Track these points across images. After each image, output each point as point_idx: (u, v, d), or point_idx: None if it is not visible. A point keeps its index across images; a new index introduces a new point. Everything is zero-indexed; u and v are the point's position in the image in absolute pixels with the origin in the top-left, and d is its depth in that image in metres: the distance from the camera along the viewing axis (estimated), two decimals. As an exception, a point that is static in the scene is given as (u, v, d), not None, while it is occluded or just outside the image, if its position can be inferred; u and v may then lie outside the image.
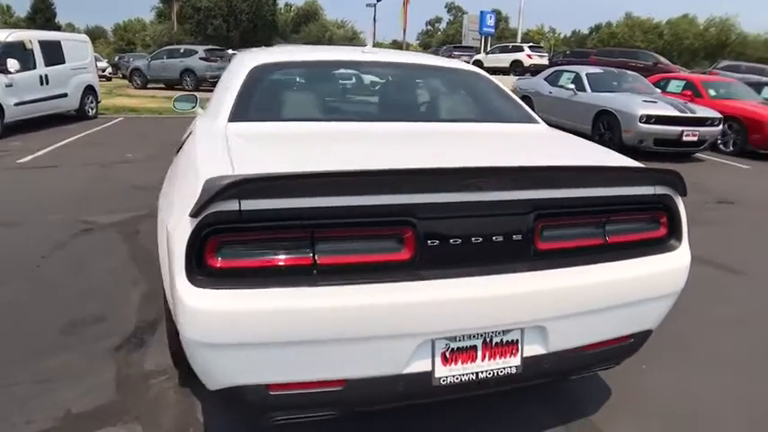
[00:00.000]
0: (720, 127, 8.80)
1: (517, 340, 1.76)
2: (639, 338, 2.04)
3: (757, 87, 11.25)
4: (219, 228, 1.46)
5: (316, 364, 1.58)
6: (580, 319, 1.82)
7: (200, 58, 19.14)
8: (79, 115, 10.73)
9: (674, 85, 10.93)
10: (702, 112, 8.63)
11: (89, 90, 11.00)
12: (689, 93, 10.24)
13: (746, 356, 2.83)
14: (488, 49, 30.34)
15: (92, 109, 11.17)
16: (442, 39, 75.25)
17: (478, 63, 27.89)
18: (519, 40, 32.05)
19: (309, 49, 3.35)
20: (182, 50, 20.33)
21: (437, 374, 1.68)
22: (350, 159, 1.82)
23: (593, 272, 1.80)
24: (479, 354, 1.72)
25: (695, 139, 8.41)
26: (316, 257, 1.53)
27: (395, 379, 1.64)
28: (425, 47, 63.49)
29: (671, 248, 1.96)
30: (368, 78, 2.99)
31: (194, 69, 18.90)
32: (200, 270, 1.47)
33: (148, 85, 20.01)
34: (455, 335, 1.68)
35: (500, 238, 1.68)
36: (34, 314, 2.92)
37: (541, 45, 31.18)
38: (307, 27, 47.15)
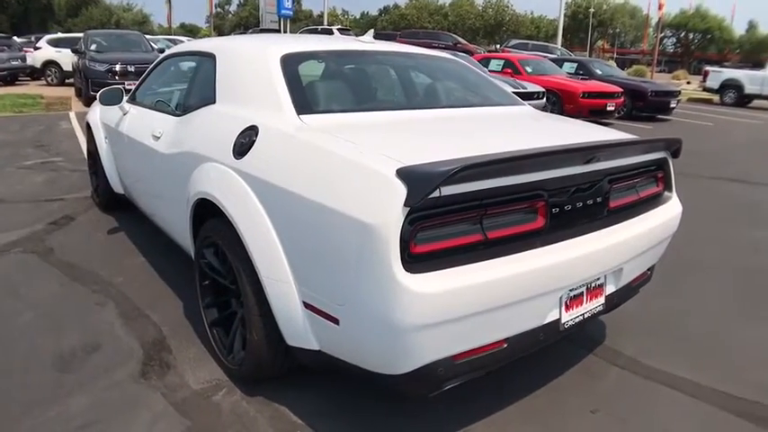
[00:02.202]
0: (544, 100, 10.24)
1: (603, 283, 2.10)
2: (651, 270, 2.53)
3: (559, 63, 13.24)
4: (424, 214, 1.53)
5: (491, 328, 1.72)
6: (635, 260, 2.23)
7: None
8: None
9: (495, 64, 12.31)
10: (530, 87, 9.95)
11: None
12: (509, 70, 11.65)
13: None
14: (298, 32, 30.30)
15: None
16: (236, 21, 72.83)
17: (291, 46, 27.91)
18: (326, 22, 32.64)
19: (310, 38, 3.17)
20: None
21: (562, 320, 1.94)
22: (473, 145, 1.90)
23: (637, 222, 2.20)
24: (585, 299, 2.02)
25: (529, 109, 9.66)
26: (487, 233, 1.67)
27: (538, 330, 1.86)
28: (219, 30, 60.81)
29: (668, 199, 2.46)
30: (390, 68, 2.97)
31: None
32: (410, 256, 1.52)
33: None
34: (574, 286, 1.93)
35: (591, 202, 1.99)
36: (3, 360, 2.40)
37: (348, 28, 32.09)
38: (87, 11, 41.80)
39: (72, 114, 9.69)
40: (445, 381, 1.70)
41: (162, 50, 14.15)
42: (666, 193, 2.48)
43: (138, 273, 3.31)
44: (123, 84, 10.18)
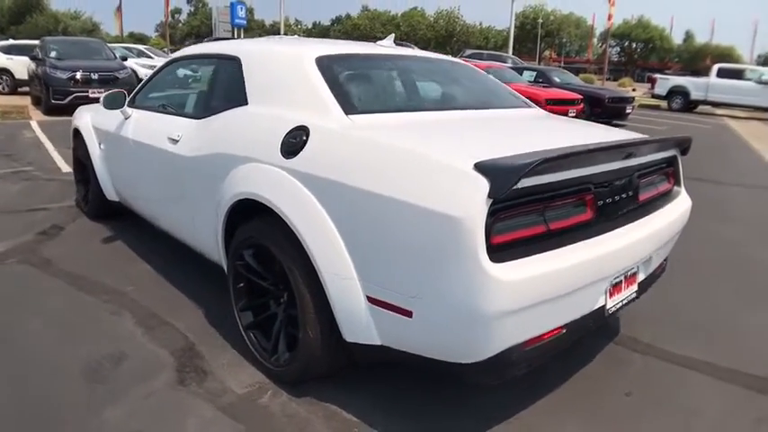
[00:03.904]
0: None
1: (636, 272, 2.21)
2: (666, 260, 2.65)
3: (519, 71, 13.62)
4: (501, 206, 1.59)
5: (555, 315, 1.79)
6: (660, 250, 2.37)
7: None
8: None
9: (461, 70, 12.54)
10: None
11: None
12: (475, 77, 11.89)
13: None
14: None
15: None
16: (187, 31, 71.37)
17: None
18: (282, 32, 32.52)
19: (333, 42, 3.18)
20: None
21: (607, 306, 2.02)
22: (521, 143, 1.96)
23: (661, 215, 2.33)
24: (623, 286, 2.11)
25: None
26: (549, 224, 1.75)
27: (588, 316, 1.94)
28: (171, 40, 59.50)
29: (679, 194, 2.61)
30: (415, 70, 3.00)
31: None
32: (491, 247, 1.56)
33: None
34: (617, 274, 2.03)
35: (625, 195, 2.10)
36: (29, 372, 2.29)
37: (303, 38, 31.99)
38: (32, 18, 40.06)
39: (34, 123, 9.26)
40: (515, 367, 1.75)
41: (125, 58, 13.79)
42: (676, 188, 2.62)
43: (146, 280, 3.21)
44: (87, 92, 9.94)
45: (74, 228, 4.10)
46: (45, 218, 4.28)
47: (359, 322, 1.87)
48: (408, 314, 1.72)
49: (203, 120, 2.65)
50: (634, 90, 29.64)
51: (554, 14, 67.07)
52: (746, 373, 2.51)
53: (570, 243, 1.80)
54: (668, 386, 2.39)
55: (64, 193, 4.96)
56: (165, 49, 30.02)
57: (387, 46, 2.92)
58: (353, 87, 2.37)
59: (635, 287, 2.22)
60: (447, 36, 67.97)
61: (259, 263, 2.27)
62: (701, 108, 18.60)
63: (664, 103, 19.08)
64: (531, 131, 2.43)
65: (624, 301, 2.15)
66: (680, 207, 2.52)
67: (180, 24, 76.32)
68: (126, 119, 3.38)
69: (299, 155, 2.00)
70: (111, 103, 3.28)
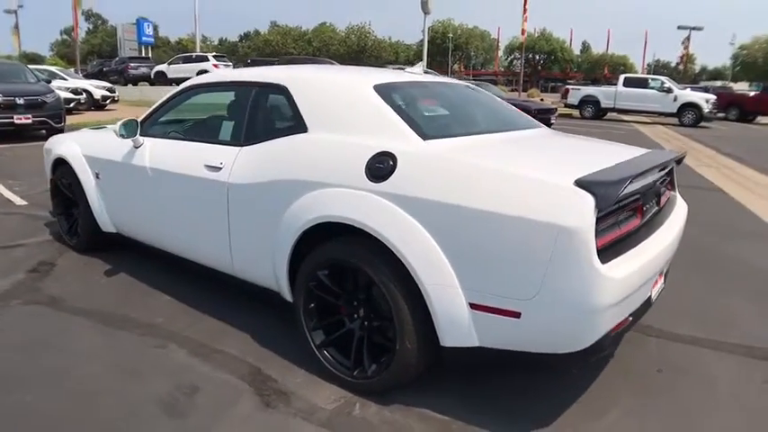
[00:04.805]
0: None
1: (662, 268, 2.51)
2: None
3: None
4: (602, 214, 1.87)
5: (629, 305, 2.06)
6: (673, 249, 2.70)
7: None
8: None
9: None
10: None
11: None
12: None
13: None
14: (170, 59, 29.00)
15: None
16: (87, 49, 67.54)
17: (162, 74, 26.64)
18: (198, 49, 31.74)
19: (370, 70, 3.28)
20: None
21: (651, 296, 2.34)
22: (580, 161, 2.29)
23: (675, 215, 2.68)
24: (659, 278, 2.46)
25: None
26: (622, 229, 2.06)
27: (643, 305, 2.25)
28: (68, 59, 56.08)
29: (677, 198, 2.97)
30: (456, 96, 3.18)
31: None
32: (599, 250, 1.84)
33: None
34: (660, 270, 2.35)
35: (655, 202, 2.46)
36: (106, 415, 2.22)
37: (224, 55, 31.43)
38: None
39: (-43, 154, 8.52)
40: (601, 351, 2.01)
41: (49, 81, 12.92)
42: (674, 193, 2.99)
43: (173, 311, 3.16)
44: (12, 117, 9.28)
45: (65, 263, 3.91)
46: (27, 255, 4.04)
47: (460, 328, 2.03)
48: (516, 315, 1.92)
49: (250, 147, 2.69)
50: (542, 100, 31.66)
51: (461, 29, 70.19)
52: (745, 345, 2.92)
53: (636, 244, 2.10)
54: (687, 361, 2.75)
55: (31, 227, 4.69)
56: (75, 70, 28.34)
57: (417, 73, 3.11)
58: (415, 114, 2.54)
59: (663, 278, 2.57)
60: (359, 51, 69.06)
61: (335, 282, 2.36)
62: (609, 115, 20.28)
63: (576, 112, 20.60)
64: (572, 150, 2.76)
65: (659, 292, 2.47)
66: (683, 209, 2.90)
67: (79, 42, 72.13)
68: (136, 147, 3.31)
69: (390, 178, 2.14)
70: (128, 132, 3.21)
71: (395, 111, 2.39)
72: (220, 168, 2.75)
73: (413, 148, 2.22)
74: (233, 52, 69.80)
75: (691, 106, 18.17)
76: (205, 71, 25.43)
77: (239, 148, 2.74)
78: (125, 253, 3.94)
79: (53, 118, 9.69)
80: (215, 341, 2.80)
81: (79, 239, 4.06)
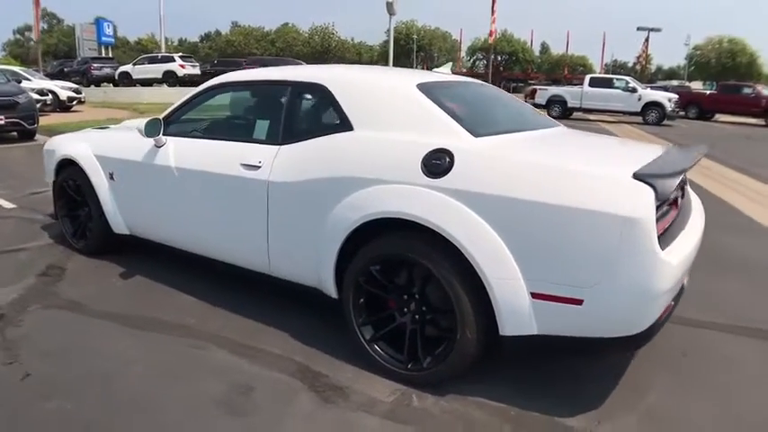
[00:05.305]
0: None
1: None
2: None
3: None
4: (658, 205, 1.99)
5: (673, 292, 2.17)
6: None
7: None
8: None
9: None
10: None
11: None
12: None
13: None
14: (135, 60, 28.28)
15: None
16: (43, 49, 65.07)
17: (126, 75, 25.95)
18: (163, 50, 31.13)
19: (406, 71, 3.35)
20: None
21: (684, 285, 2.47)
22: (622, 156, 2.45)
23: (695, 207, 2.82)
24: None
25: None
26: (667, 221, 2.19)
27: (680, 291, 2.39)
28: (22, 59, 53.95)
29: (690, 192, 3.13)
30: (487, 96, 3.24)
31: None
32: (658, 237, 1.96)
33: None
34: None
35: (682, 193, 2.62)
36: (165, 416, 2.20)
37: (191, 55, 30.82)
38: None
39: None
40: (653, 335, 2.12)
41: (19, 81, 12.43)
42: (688, 187, 3.16)
43: (203, 311, 3.13)
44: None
45: (76, 266, 3.81)
46: (32, 259, 3.92)
47: (521, 317, 2.11)
48: (578, 302, 2.00)
49: (290, 145, 2.70)
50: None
51: (424, 30, 70.71)
52: (756, 329, 3.10)
53: (678, 233, 2.22)
54: (708, 344, 2.92)
55: (27, 230, 4.55)
56: (36, 69, 27.32)
57: (445, 73, 3.18)
58: (461, 112, 2.60)
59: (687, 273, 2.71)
60: (323, 51, 68.74)
61: (386, 277, 2.40)
62: (575, 114, 20.82)
63: (545, 112, 21.08)
64: (607, 146, 2.96)
65: (687, 282, 2.60)
66: (698, 201, 3.05)
67: (31, 42, 69.46)
68: (158, 147, 3.27)
69: (448, 175, 2.20)
70: (153, 131, 3.17)
71: (442, 109, 2.45)
72: (259, 167, 2.75)
73: (467, 146, 2.29)
74: (193, 52, 68.41)
75: (654, 105, 18.84)
76: (172, 72, 25.08)
77: (278, 146, 2.74)
78: (134, 255, 3.87)
79: (26, 119, 9.35)
80: (254, 340, 2.80)
81: (87, 242, 3.96)
